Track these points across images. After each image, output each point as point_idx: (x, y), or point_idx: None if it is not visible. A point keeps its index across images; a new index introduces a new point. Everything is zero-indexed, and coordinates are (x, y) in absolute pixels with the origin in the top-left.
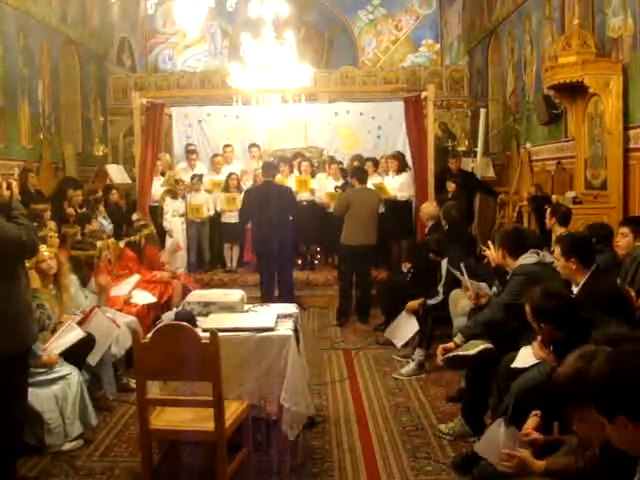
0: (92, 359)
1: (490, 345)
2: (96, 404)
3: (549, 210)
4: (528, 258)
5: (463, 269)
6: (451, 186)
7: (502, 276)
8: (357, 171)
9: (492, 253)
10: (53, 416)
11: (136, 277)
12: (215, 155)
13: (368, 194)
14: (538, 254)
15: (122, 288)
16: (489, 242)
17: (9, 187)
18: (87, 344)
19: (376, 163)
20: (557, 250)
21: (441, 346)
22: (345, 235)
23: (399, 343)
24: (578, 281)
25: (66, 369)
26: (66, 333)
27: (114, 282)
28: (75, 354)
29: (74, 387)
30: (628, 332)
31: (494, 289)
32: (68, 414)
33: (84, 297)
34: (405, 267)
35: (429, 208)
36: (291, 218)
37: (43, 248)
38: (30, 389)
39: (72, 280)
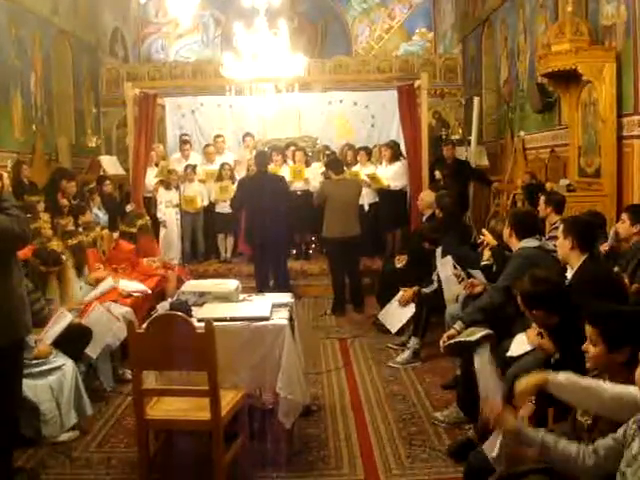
0: (93, 352)
1: (490, 331)
2: (92, 395)
3: (544, 199)
4: (530, 242)
5: (452, 261)
6: (438, 175)
7: (501, 260)
8: (332, 162)
9: (488, 236)
10: (49, 406)
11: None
12: (207, 145)
13: (345, 184)
14: (540, 240)
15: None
16: (483, 230)
17: (0, 178)
18: (83, 336)
19: (369, 152)
20: (560, 228)
21: (445, 334)
22: (325, 227)
23: (393, 329)
24: (573, 264)
25: (60, 360)
26: (58, 322)
27: (109, 274)
28: (71, 346)
29: (69, 377)
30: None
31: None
32: (64, 404)
33: (79, 288)
34: (399, 261)
35: (429, 197)
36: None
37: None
38: (26, 380)
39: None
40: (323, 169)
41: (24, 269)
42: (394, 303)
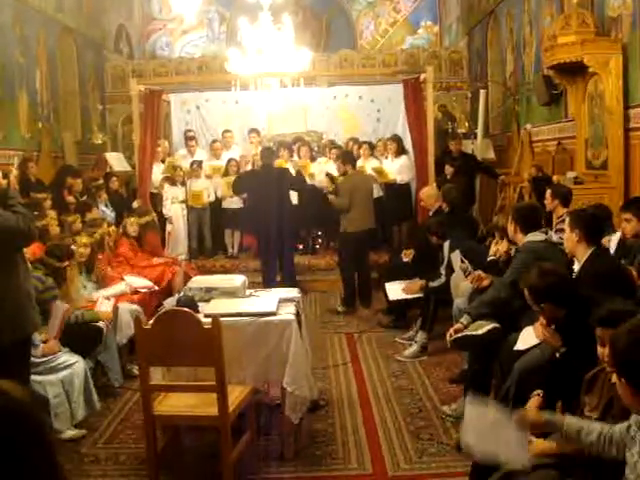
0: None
1: (497, 324)
2: (100, 391)
3: (550, 192)
4: (536, 236)
5: (460, 255)
6: (449, 169)
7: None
8: (348, 156)
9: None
10: (60, 400)
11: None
12: (214, 141)
13: (363, 178)
14: (546, 233)
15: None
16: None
17: (5, 176)
18: (93, 334)
19: (372, 146)
20: (566, 221)
21: (452, 328)
22: (350, 223)
23: (390, 296)
24: (580, 257)
25: (71, 358)
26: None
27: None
28: (80, 344)
29: (80, 373)
30: (632, 307)
31: None
32: (74, 398)
33: (83, 287)
34: (406, 255)
35: (431, 191)
36: (296, 193)
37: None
38: (36, 376)
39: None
40: (330, 164)
41: (42, 269)
42: (403, 284)
